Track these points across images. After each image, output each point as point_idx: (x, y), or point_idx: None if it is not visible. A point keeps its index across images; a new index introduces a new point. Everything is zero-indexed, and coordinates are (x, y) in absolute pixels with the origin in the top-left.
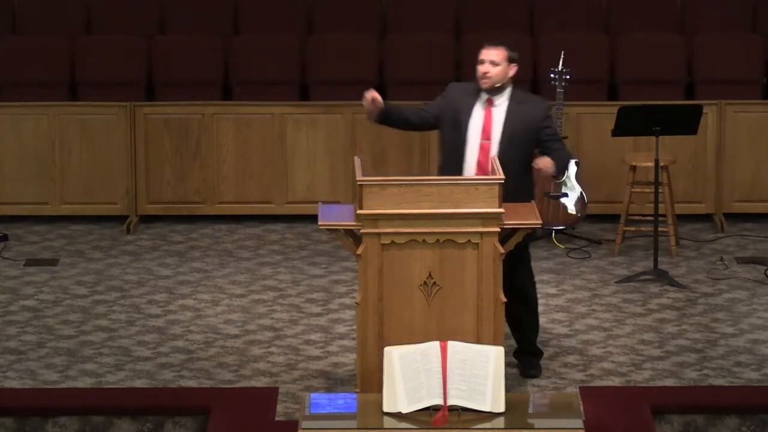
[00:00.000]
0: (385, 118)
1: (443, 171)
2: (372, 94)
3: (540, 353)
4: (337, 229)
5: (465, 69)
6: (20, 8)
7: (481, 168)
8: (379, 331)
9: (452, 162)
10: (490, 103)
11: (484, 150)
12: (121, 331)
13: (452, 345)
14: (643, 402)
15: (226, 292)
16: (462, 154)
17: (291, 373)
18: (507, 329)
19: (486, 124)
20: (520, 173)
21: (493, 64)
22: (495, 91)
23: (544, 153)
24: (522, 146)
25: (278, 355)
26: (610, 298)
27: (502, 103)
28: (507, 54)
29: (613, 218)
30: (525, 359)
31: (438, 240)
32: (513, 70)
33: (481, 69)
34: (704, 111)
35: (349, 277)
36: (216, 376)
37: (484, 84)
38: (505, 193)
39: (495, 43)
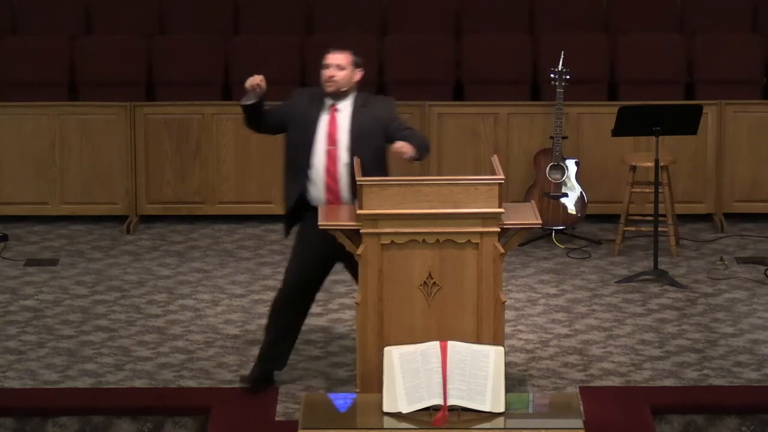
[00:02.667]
0: (255, 108)
1: (287, 176)
2: (261, 78)
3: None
4: (337, 229)
5: (465, 69)
6: (20, 8)
7: (330, 174)
8: (379, 331)
9: (296, 167)
10: (334, 108)
11: (331, 156)
12: (121, 331)
13: (452, 345)
14: (643, 402)
15: (226, 292)
16: (307, 160)
17: (291, 373)
18: (508, 329)
19: (331, 130)
20: (376, 174)
21: (339, 68)
22: (339, 96)
23: (394, 141)
24: (371, 147)
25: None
26: (610, 298)
27: (345, 108)
28: (352, 59)
29: (613, 218)
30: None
31: (438, 240)
32: (358, 75)
33: (326, 73)
34: (704, 111)
35: (349, 277)
36: (216, 376)
37: (329, 87)
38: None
39: (340, 47)
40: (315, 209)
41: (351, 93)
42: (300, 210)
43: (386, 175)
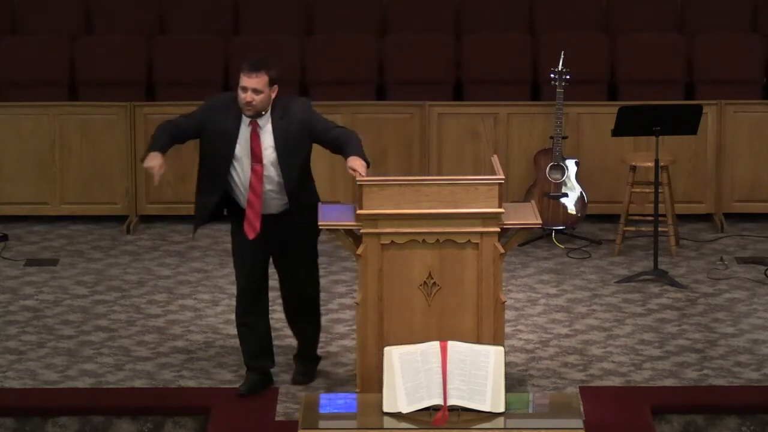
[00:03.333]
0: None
1: (202, 188)
2: (153, 167)
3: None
4: (337, 229)
5: (465, 69)
6: (20, 8)
7: (253, 191)
8: (379, 331)
9: (214, 181)
10: (255, 125)
11: (256, 173)
12: (121, 331)
13: (452, 345)
14: (643, 402)
15: (226, 292)
16: (226, 175)
17: (291, 373)
18: (508, 329)
19: (255, 148)
20: (303, 180)
21: (256, 92)
22: (258, 114)
23: (331, 146)
24: (299, 155)
25: (278, 355)
26: (610, 298)
27: (266, 123)
28: (267, 78)
29: (613, 218)
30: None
31: (438, 240)
32: (275, 91)
33: (244, 97)
34: (704, 111)
35: (349, 277)
36: (216, 376)
37: (248, 112)
38: (297, 200)
39: (255, 68)
40: (244, 211)
41: (268, 108)
42: (231, 215)
43: (310, 180)
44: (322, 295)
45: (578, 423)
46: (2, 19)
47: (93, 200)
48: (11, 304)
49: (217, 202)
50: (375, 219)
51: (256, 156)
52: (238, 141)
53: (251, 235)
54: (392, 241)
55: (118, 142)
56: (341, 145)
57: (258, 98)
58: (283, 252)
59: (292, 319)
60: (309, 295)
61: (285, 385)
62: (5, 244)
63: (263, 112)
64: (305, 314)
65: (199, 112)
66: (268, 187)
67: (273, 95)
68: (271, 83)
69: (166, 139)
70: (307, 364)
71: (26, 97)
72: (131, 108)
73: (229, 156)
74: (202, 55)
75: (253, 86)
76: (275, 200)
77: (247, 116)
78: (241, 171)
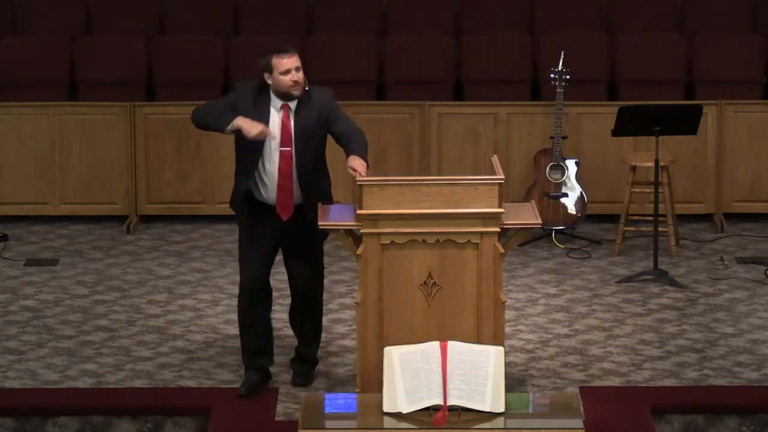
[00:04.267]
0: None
1: (241, 176)
2: (261, 128)
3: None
4: (337, 229)
5: (465, 69)
6: (20, 8)
7: (283, 175)
8: (379, 331)
9: (246, 167)
10: (287, 109)
11: (285, 157)
12: (121, 331)
13: (452, 345)
14: (643, 402)
15: (226, 292)
16: (257, 161)
17: (291, 373)
18: (508, 329)
19: (285, 132)
20: (319, 167)
21: (298, 69)
22: (302, 91)
23: (338, 140)
24: (316, 142)
25: (278, 355)
26: (610, 298)
27: (294, 106)
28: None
29: (613, 218)
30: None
31: (438, 240)
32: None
33: (290, 78)
34: (704, 111)
35: (349, 277)
36: (216, 376)
37: (297, 91)
38: (310, 189)
39: (288, 49)
40: (264, 206)
41: None
42: (243, 210)
43: (325, 172)
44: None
45: (578, 423)
46: (2, 19)
47: (93, 200)
48: (11, 304)
49: (246, 190)
50: (375, 219)
51: (285, 140)
52: (270, 126)
53: (285, 216)
54: (392, 241)
55: (118, 142)
56: (347, 142)
57: (301, 75)
58: (294, 248)
59: (296, 318)
60: (315, 294)
61: (285, 385)
62: (5, 244)
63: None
64: (310, 314)
65: (232, 97)
66: (295, 171)
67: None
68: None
69: (227, 111)
70: (307, 368)
71: (26, 97)
72: (131, 108)
73: (260, 141)
74: (202, 55)
75: (295, 64)
76: (296, 186)
77: (294, 96)
78: (269, 157)
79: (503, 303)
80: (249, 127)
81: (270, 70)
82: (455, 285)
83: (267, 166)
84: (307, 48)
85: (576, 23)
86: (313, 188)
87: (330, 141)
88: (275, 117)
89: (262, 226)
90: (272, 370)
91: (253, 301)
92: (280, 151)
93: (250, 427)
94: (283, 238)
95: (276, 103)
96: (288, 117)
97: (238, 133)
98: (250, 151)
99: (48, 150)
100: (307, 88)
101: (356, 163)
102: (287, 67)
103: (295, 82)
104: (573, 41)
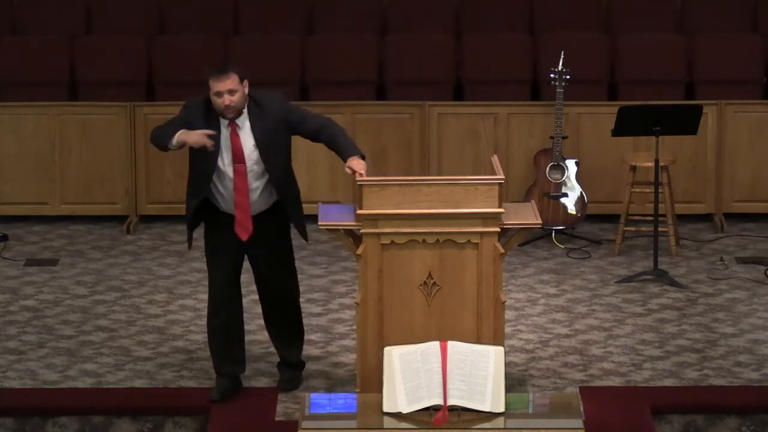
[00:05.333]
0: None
1: (192, 192)
2: (197, 136)
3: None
4: (337, 229)
5: (465, 69)
6: (20, 8)
7: (239, 191)
8: (379, 331)
9: (200, 183)
10: (233, 126)
11: (239, 173)
12: (121, 331)
13: (452, 345)
14: (643, 402)
15: None
16: (211, 177)
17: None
18: (508, 329)
19: (236, 149)
20: (286, 177)
21: (231, 93)
22: (238, 114)
23: (311, 138)
24: (280, 148)
25: (278, 355)
26: (610, 298)
27: (244, 122)
28: (238, 77)
29: (613, 218)
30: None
31: (438, 240)
32: (247, 86)
33: (221, 102)
34: (704, 111)
35: (349, 277)
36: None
37: (230, 114)
38: (285, 191)
39: (223, 71)
40: (225, 215)
41: (245, 106)
42: (207, 217)
43: (292, 173)
44: (323, 295)
45: (578, 423)
46: (2, 19)
47: (93, 200)
48: (11, 304)
49: (200, 205)
50: (375, 219)
51: (237, 157)
52: (221, 143)
53: (244, 237)
54: (392, 241)
55: (118, 142)
56: (329, 141)
57: (235, 98)
58: (262, 252)
59: (273, 324)
60: (291, 296)
61: None
62: (5, 244)
63: (241, 112)
64: (286, 319)
65: (183, 115)
66: (254, 185)
67: (246, 91)
68: (241, 80)
69: (180, 128)
70: (292, 372)
71: (26, 97)
72: (131, 108)
73: (213, 158)
74: (202, 55)
75: (228, 87)
76: (261, 198)
77: (228, 119)
78: (222, 173)
79: (503, 303)
80: (189, 137)
81: (209, 88)
82: (455, 285)
83: (223, 183)
84: (307, 48)
85: (576, 23)
86: (287, 189)
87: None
88: (225, 134)
89: (226, 232)
90: (272, 370)
91: (223, 307)
92: (234, 167)
93: (250, 427)
94: (252, 245)
95: (223, 120)
96: (236, 133)
97: (191, 149)
98: (203, 169)
99: (48, 150)
100: (255, 98)
101: (355, 163)
102: (217, 89)
103: (227, 106)
104: (573, 41)
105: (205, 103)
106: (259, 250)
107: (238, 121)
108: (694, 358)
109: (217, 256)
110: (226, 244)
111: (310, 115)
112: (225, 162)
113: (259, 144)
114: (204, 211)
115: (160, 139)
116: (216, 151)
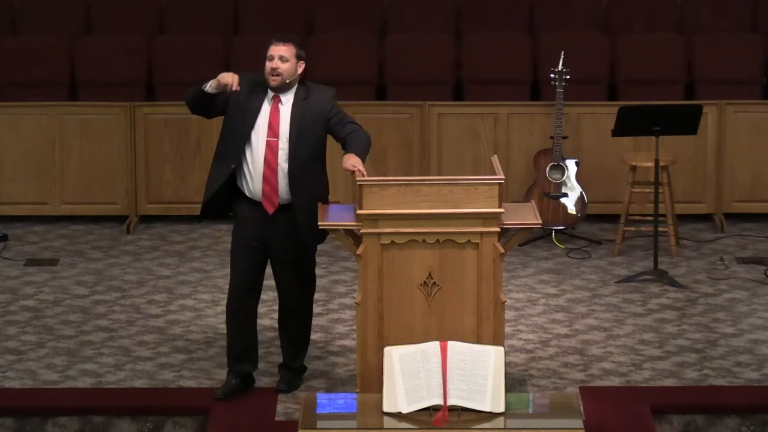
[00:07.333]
0: (212, 97)
1: (217, 163)
2: (236, 82)
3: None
4: (337, 229)
5: (465, 69)
6: (20, 8)
7: (269, 166)
8: (379, 331)
9: (230, 156)
10: (277, 100)
11: (271, 147)
12: (121, 331)
13: (452, 345)
14: (643, 402)
15: (226, 292)
16: (244, 148)
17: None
18: (508, 329)
19: (273, 122)
20: (314, 167)
21: (283, 60)
22: (282, 88)
23: (339, 139)
24: (312, 140)
25: (278, 355)
26: (610, 298)
27: (288, 100)
28: (296, 51)
29: (613, 218)
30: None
31: (438, 240)
32: (301, 67)
33: (270, 65)
34: (704, 111)
35: (349, 277)
36: (216, 376)
37: (274, 81)
38: (302, 188)
39: (283, 39)
40: (249, 201)
41: (294, 85)
42: (231, 203)
43: (323, 168)
44: (323, 295)
45: (578, 423)
46: (2, 19)
47: (93, 200)
48: (11, 304)
49: (228, 178)
50: (375, 219)
51: (272, 130)
52: (259, 116)
53: (271, 210)
54: (392, 241)
55: (118, 142)
56: (348, 141)
57: (284, 66)
58: (281, 253)
59: (284, 328)
60: (302, 303)
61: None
62: (5, 244)
63: (288, 89)
64: (295, 323)
65: None
66: (281, 163)
67: (299, 71)
68: (298, 58)
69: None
70: (291, 375)
71: (26, 97)
72: (131, 108)
73: (248, 130)
74: (202, 55)
75: (281, 53)
76: (284, 181)
77: (272, 87)
78: (255, 147)
79: (503, 303)
80: (223, 76)
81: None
82: (455, 285)
83: (254, 157)
84: (307, 48)
85: (576, 23)
86: (304, 188)
87: (331, 142)
88: (266, 107)
89: (248, 226)
90: (272, 370)
91: (238, 304)
92: (267, 141)
93: (250, 427)
94: (272, 241)
95: (269, 94)
96: (277, 108)
97: (224, 121)
98: (235, 137)
99: (48, 150)
100: (308, 85)
101: (349, 161)
102: (270, 53)
103: (273, 69)
104: (573, 41)
105: (254, 80)
106: (278, 250)
107: (283, 98)
108: (694, 358)
109: (241, 248)
110: (250, 237)
111: (351, 121)
112: (259, 136)
113: (293, 126)
114: (230, 203)
115: (195, 87)
116: (247, 124)
